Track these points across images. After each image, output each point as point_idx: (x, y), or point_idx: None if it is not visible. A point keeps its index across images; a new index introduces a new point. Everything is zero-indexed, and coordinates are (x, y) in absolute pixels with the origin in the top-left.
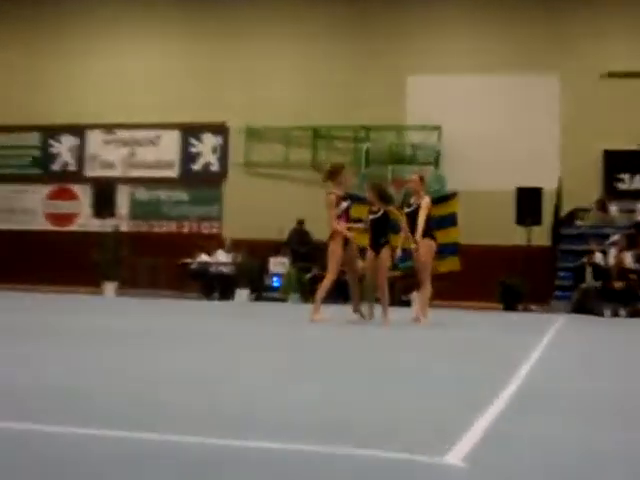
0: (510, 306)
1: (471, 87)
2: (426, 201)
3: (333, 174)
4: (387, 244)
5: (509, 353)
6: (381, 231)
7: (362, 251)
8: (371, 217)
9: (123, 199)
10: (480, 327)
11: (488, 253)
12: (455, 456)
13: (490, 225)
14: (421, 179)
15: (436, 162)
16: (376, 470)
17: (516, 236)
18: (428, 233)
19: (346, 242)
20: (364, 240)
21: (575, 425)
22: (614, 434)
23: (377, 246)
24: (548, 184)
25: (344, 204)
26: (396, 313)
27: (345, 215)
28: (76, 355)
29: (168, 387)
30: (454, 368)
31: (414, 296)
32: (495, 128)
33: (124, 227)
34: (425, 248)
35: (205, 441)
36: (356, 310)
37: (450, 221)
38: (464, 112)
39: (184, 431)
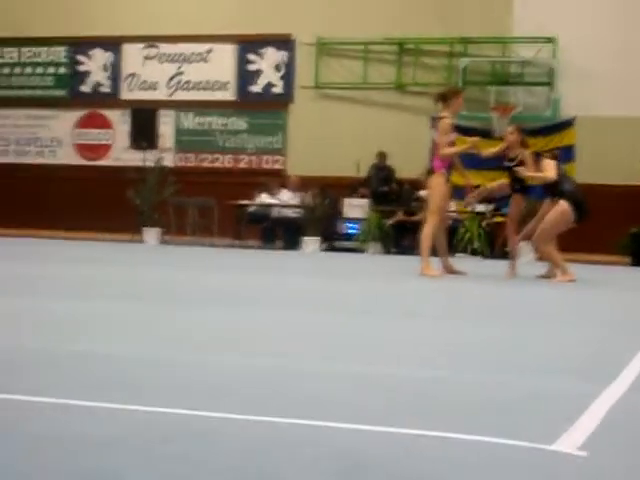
0: None
1: None
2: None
3: (447, 97)
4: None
5: (638, 317)
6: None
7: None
8: (507, 164)
9: (167, 127)
10: (604, 284)
11: (614, 195)
12: (571, 442)
13: (617, 160)
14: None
15: (550, 82)
16: (472, 455)
17: None
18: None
19: (447, 178)
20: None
21: None
22: None
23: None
24: None
25: (452, 135)
26: (497, 267)
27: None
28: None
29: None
30: (571, 333)
31: (521, 247)
32: (626, 38)
33: (168, 161)
34: (555, 210)
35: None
36: (448, 268)
37: (566, 155)
38: (586, 18)
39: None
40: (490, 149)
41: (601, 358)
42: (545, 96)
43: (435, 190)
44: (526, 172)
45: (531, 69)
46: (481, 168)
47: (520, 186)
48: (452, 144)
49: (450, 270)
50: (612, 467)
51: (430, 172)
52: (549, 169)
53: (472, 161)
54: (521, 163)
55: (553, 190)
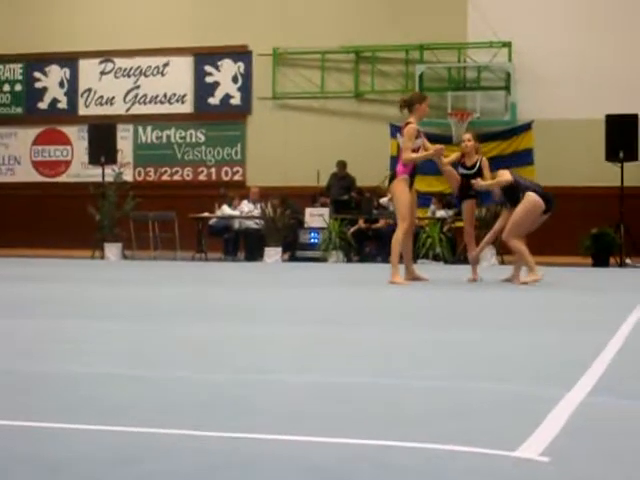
0: (601, 261)
1: None
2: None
3: (413, 103)
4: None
5: (601, 317)
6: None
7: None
8: (464, 172)
9: (126, 142)
10: (565, 286)
11: (572, 197)
12: (533, 448)
13: (574, 162)
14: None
15: (507, 87)
16: (435, 464)
17: (607, 175)
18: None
19: (410, 185)
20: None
21: None
22: None
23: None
24: None
25: (418, 141)
26: (460, 271)
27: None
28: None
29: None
30: (533, 337)
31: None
32: (579, 42)
33: (128, 176)
34: (524, 202)
35: None
36: (411, 274)
37: (524, 158)
38: (540, 23)
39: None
40: (448, 158)
41: (562, 361)
42: (502, 100)
43: (399, 197)
44: (482, 183)
45: (487, 74)
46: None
47: (475, 192)
48: (417, 150)
49: (413, 276)
50: (574, 472)
51: (393, 177)
52: (503, 173)
53: (431, 167)
54: (481, 170)
55: (514, 192)
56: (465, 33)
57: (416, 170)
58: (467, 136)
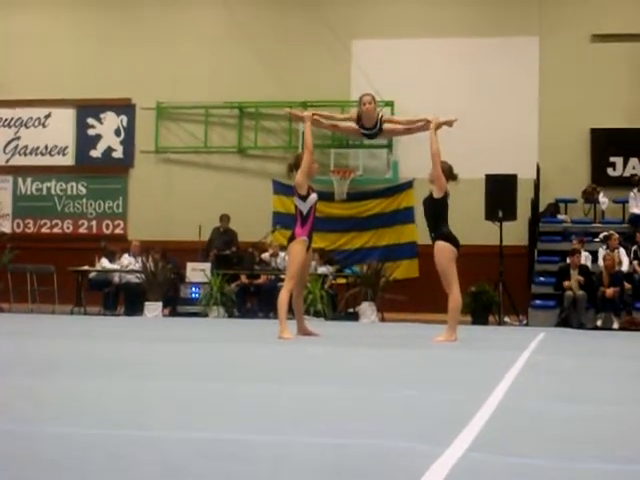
0: (480, 319)
1: (430, 54)
2: None
3: (299, 162)
4: None
5: (479, 375)
6: None
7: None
8: (365, 132)
9: (5, 193)
10: (444, 345)
11: None
12: None
13: (454, 221)
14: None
15: (389, 145)
16: None
17: (486, 234)
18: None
19: (308, 247)
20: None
21: (555, 455)
22: (594, 465)
23: None
24: (524, 171)
25: (313, 195)
26: (342, 328)
27: (313, 212)
28: None
29: None
30: (410, 394)
31: (364, 308)
32: (459, 104)
33: (6, 227)
34: (438, 252)
35: None
36: (303, 329)
37: (405, 217)
38: (422, 84)
39: None
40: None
41: (441, 418)
42: (384, 159)
43: (294, 258)
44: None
45: None
46: (325, 230)
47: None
48: (311, 210)
49: (305, 332)
50: None
51: (291, 238)
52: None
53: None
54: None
55: (437, 216)
56: (348, 91)
57: (313, 230)
58: (367, 98)
